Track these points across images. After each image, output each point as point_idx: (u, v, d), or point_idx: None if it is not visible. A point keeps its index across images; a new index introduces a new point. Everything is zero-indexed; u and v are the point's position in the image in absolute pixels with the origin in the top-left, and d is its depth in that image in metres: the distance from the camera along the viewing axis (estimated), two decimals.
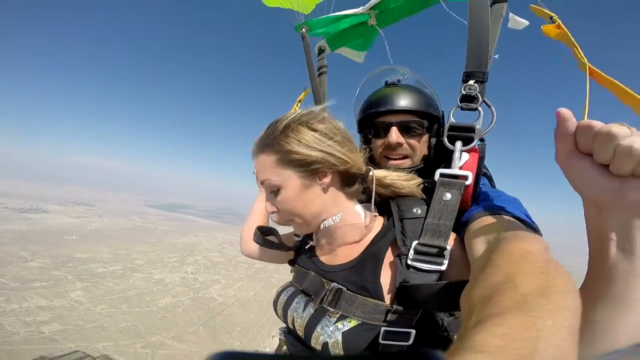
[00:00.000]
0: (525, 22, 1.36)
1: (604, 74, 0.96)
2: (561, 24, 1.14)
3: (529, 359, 0.32)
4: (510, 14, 1.34)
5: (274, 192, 0.95)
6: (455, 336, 0.89)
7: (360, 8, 1.64)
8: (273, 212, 0.99)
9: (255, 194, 1.61)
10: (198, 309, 71.78)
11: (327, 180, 0.97)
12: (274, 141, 0.94)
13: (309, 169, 0.94)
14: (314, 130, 0.95)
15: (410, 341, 0.79)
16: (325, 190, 0.98)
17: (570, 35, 1.10)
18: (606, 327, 0.57)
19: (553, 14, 1.17)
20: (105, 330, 55.65)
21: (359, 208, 1.05)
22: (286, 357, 0.51)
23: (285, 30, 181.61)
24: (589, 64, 0.99)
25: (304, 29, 1.76)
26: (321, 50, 1.84)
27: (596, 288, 0.60)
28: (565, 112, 0.56)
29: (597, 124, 0.53)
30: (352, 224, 1.00)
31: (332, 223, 1.00)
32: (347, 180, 1.04)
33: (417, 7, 1.55)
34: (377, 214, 1.03)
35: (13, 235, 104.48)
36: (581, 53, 1.04)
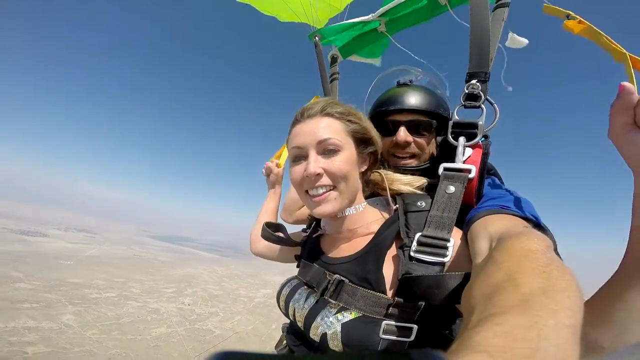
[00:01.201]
0: (525, 41, 1.36)
1: None
2: (582, 19, 1.12)
3: (530, 359, 0.31)
4: (510, 33, 1.36)
5: (330, 151, 0.94)
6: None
7: (370, 15, 1.68)
8: (319, 174, 0.93)
9: (251, 226, 1.64)
10: (194, 341, 67.38)
11: (365, 167, 1.05)
12: (342, 112, 0.99)
13: (364, 145, 1.02)
14: (368, 119, 1.07)
15: (412, 337, 0.77)
16: (360, 176, 1.03)
17: (595, 27, 1.07)
18: None
19: (570, 12, 1.16)
20: (94, 355, 51.77)
21: (375, 201, 1.09)
22: (287, 357, 0.51)
23: (295, 47, 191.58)
24: (628, 53, 0.94)
25: (317, 38, 1.85)
26: (334, 59, 1.90)
27: (637, 272, 0.59)
28: (629, 85, 0.56)
29: None
30: (373, 221, 1.02)
31: (355, 212, 1.02)
32: (366, 179, 1.10)
33: (426, 16, 1.58)
34: (397, 206, 1.01)
35: (8, 256, 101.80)
36: (614, 42, 1.00)
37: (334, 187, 0.94)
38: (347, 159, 0.94)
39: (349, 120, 0.98)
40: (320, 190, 0.94)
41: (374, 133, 1.04)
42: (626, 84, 0.56)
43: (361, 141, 1.00)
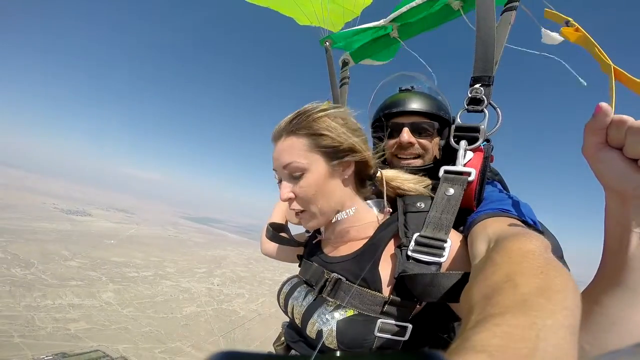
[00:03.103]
0: (560, 38, 1.33)
1: (629, 75, 0.95)
2: (579, 27, 1.15)
3: (529, 359, 0.32)
4: (543, 30, 1.36)
5: (296, 176, 0.94)
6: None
7: (382, 20, 1.68)
8: (290, 199, 0.95)
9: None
10: (220, 320, 71.50)
11: (349, 171, 1.00)
12: (306, 125, 0.95)
13: (337, 156, 0.97)
14: (345, 124, 1.00)
15: (406, 337, 0.79)
16: (345, 183, 1.01)
17: (589, 37, 1.11)
18: (619, 317, 0.57)
19: (569, 18, 1.18)
20: (129, 332, 56.56)
21: (371, 204, 1.08)
22: (287, 357, 0.52)
23: (309, 46, 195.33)
24: (613, 64, 0.98)
25: (327, 43, 1.85)
26: (345, 63, 1.91)
27: (612, 278, 0.60)
28: (606, 106, 0.57)
29: (630, 119, 0.55)
30: (366, 223, 1.02)
31: (346, 216, 1.02)
32: (361, 179, 1.08)
33: (439, 21, 1.57)
34: (391, 209, 1.03)
35: (58, 234, 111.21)
36: (604, 54, 1.03)
37: (304, 210, 0.97)
38: (313, 181, 0.93)
39: (313, 134, 0.94)
40: (296, 211, 0.98)
41: (350, 139, 0.98)
42: (603, 104, 0.57)
43: (332, 153, 0.96)
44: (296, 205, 0.96)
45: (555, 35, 1.33)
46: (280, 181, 1.01)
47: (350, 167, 1.01)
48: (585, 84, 1.29)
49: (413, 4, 1.53)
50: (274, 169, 1.01)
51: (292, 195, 0.95)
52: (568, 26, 1.18)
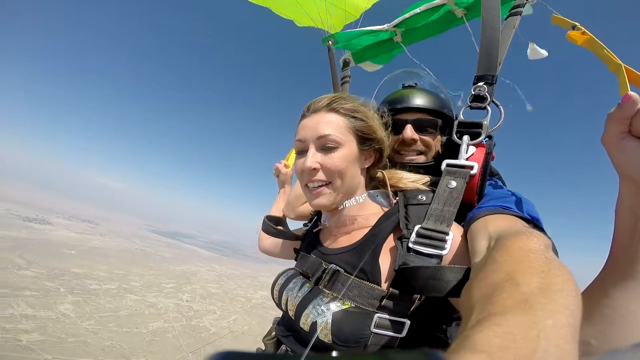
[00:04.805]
0: (544, 53, 1.40)
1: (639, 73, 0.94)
2: (586, 30, 1.17)
3: (530, 359, 0.32)
4: (530, 44, 1.41)
5: (329, 148, 0.95)
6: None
7: (386, 25, 1.73)
8: (315, 169, 0.95)
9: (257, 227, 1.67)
10: (189, 337, 67.50)
11: (368, 163, 1.06)
12: (348, 108, 0.99)
13: (366, 143, 1.01)
14: (379, 118, 1.08)
15: (404, 333, 0.77)
16: (362, 172, 1.05)
17: (596, 39, 1.13)
18: (629, 311, 0.57)
19: (576, 23, 1.21)
20: (88, 346, 51.88)
21: (377, 194, 1.08)
22: (288, 357, 0.55)
23: (304, 52, 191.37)
24: (623, 64, 0.98)
25: (330, 42, 1.90)
26: (346, 63, 1.96)
27: (622, 271, 0.59)
28: (635, 96, 0.56)
29: None
30: (371, 213, 1.02)
31: (355, 203, 1.03)
32: (370, 177, 1.12)
33: (442, 28, 1.61)
34: (398, 200, 1.02)
35: (13, 242, 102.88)
36: (612, 54, 1.04)
37: (328, 183, 0.96)
38: (344, 156, 0.95)
39: (353, 117, 0.98)
40: (316, 184, 0.96)
41: (380, 132, 1.04)
42: (633, 94, 0.56)
43: (365, 139, 1.00)
44: (320, 176, 0.95)
45: (541, 51, 1.39)
46: (300, 152, 1.00)
47: (371, 158, 1.06)
48: (533, 109, 1.38)
49: (417, 10, 1.57)
50: (300, 139, 0.99)
51: (318, 165, 0.94)
52: (575, 30, 1.19)
